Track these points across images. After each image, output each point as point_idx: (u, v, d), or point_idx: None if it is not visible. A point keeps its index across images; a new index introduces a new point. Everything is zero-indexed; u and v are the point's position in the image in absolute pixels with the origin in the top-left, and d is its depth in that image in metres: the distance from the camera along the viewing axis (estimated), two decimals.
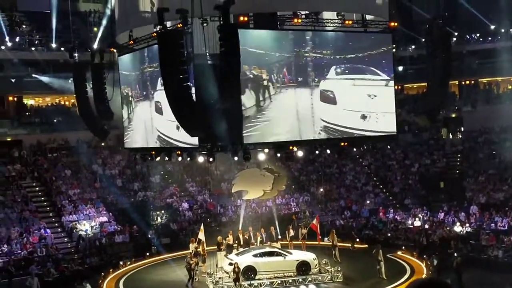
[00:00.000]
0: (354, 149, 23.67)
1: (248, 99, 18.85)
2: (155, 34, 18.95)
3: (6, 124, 37.74)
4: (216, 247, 23.51)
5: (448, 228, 29.10)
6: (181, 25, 17.33)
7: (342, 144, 21.31)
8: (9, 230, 28.41)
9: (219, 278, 21.10)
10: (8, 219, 29.52)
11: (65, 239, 29.46)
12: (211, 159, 20.11)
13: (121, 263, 25.76)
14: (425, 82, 25.74)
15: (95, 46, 26.45)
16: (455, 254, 24.24)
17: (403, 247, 26.74)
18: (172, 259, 26.04)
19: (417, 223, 30.54)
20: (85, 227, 29.83)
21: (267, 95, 19.25)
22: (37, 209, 30.96)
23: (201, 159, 21.49)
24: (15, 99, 40.17)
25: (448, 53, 22.11)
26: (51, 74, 38.39)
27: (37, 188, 32.99)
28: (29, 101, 41.76)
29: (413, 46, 43.04)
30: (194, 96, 17.42)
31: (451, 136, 39.78)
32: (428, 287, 2.98)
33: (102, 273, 24.05)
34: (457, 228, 29.04)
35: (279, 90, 19.40)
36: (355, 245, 27.51)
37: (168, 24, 18.35)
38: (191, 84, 17.18)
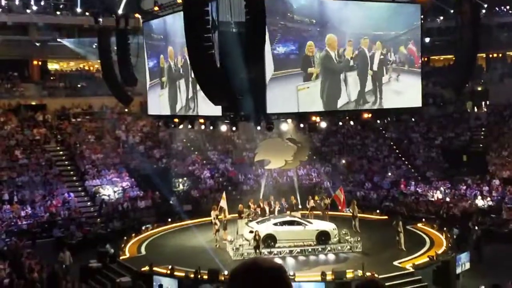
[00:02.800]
0: (378, 121, 23.42)
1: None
2: (180, 0, 18.81)
3: (30, 88, 38.17)
4: (237, 215, 23.73)
5: (469, 201, 28.96)
6: None
7: (366, 116, 21.11)
8: (33, 193, 29.03)
9: (240, 245, 21.35)
10: (32, 182, 30.14)
11: (88, 203, 30.03)
12: (233, 128, 20.13)
13: (143, 228, 26.17)
14: (452, 55, 25.27)
15: (120, 11, 26.28)
16: (476, 228, 24.17)
17: (424, 219, 26.69)
18: (193, 225, 26.37)
19: (439, 195, 30.44)
20: (108, 192, 30.32)
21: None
22: (60, 173, 31.51)
23: (223, 128, 21.53)
24: (40, 63, 40.51)
25: (477, 26, 21.62)
26: (76, 39, 38.54)
27: (61, 152, 33.52)
28: (53, 66, 42.07)
29: (441, 18, 42.12)
30: (218, 64, 17.33)
31: (476, 110, 39.17)
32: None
33: (124, 237, 24.48)
34: (479, 202, 28.91)
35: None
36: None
37: None
38: (215, 52, 17.11)
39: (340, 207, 25.54)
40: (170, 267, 19.67)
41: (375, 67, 20.63)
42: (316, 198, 25.49)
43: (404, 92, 21.29)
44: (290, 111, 19.46)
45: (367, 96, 20.50)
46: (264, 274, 2.10)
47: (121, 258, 22.29)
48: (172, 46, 21.89)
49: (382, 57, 20.73)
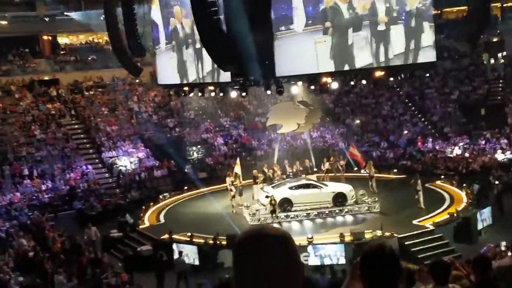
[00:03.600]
0: (391, 79, 22.94)
1: None
2: None
3: (42, 63, 38.19)
4: (252, 180, 23.72)
5: (489, 156, 28.55)
6: None
7: (378, 74, 20.65)
8: (52, 167, 29.37)
9: (256, 210, 21.40)
10: (50, 156, 30.46)
11: (106, 174, 30.34)
12: (244, 94, 19.92)
13: (160, 196, 26.39)
14: (465, 6, 24.48)
15: None
16: (496, 182, 23.85)
17: (442, 176, 26.41)
18: (209, 192, 26.49)
19: (457, 151, 30.05)
20: (125, 163, 30.55)
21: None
22: (77, 146, 31.77)
23: (234, 94, 21.31)
24: (50, 38, 40.39)
25: None
26: (83, 11, 38.25)
27: (76, 126, 33.73)
28: (63, 40, 41.94)
29: None
30: (225, 29, 17.02)
31: (492, 61, 38.22)
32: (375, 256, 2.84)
33: (143, 207, 24.72)
34: (499, 156, 28.48)
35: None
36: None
37: None
38: (222, 17, 16.79)
39: (360, 165, 25.47)
40: (189, 234, 19.88)
41: (384, 19, 19.90)
42: (332, 159, 25.30)
43: (418, 46, 20.66)
44: (301, 72, 19.07)
45: (380, 53, 19.94)
46: (268, 241, 2.11)
47: (140, 227, 22.57)
48: (180, 9, 21.52)
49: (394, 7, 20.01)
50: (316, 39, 18.76)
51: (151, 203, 25.40)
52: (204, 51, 19.30)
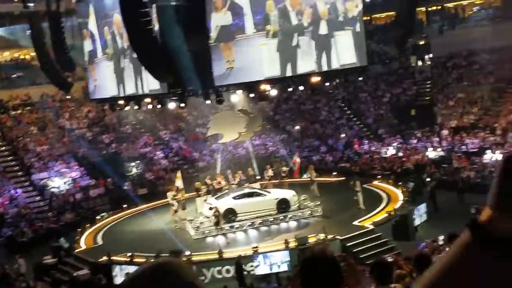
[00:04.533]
0: (327, 84, 23.28)
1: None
2: None
3: None
4: (195, 193, 23.33)
5: (421, 154, 29.53)
6: None
7: (314, 79, 20.88)
8: None
9: (200, 223, 21.05)
10: None
11: (37, 197, 28.90)
12: (182, 105, 19.57)
13: (98, 217, 25.45)
14: (393, 11, 25.30)
15: None
16: (429, 179, 24.65)
17: (379, 176, 27.05)
18: (150, 209, 25.81)
19: (392, 151, 30.91)
20: (57, 184, 29.26)
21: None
22: (4, 169, 30.21)
23: (172, 105, 20.89)
24: None
25: None
26: (7, 27, 36.63)
27: (3, 148, 32.07)
28: None
29: None
30: (159, 39, 16.66)
31: (420, 63, 39.73)
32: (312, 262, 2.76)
33: (79, 229, 23.74)
34: (430, 153, 29.51)
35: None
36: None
37: None
38: (155, 27, 16.45)
39: (295, 172, 25.98)
40: (129, 254, 19.16)
41: (324, 28, 20.26)
42: (275, 165, 25.42)
43: (350, 51, 21.11)
44: (247, 77, 18.99)
45: (317, 59, 20.22)
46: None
47: (76, 251, 21.61)
48: (112, 20, 20.91)
49: (329, 16, 20.38)
50: (260, 42, 18.82)
51: (88, 225, 24.41)
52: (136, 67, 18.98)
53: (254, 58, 18.95)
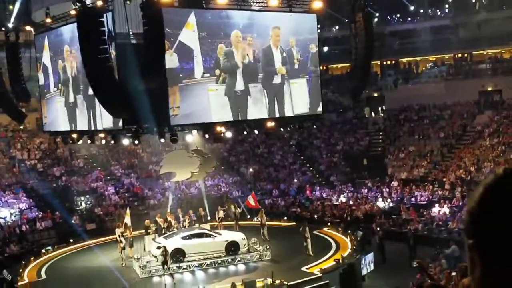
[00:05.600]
0: (281, 129, 23.79)
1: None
2: (73, 12, 18.09)
3: None
4: (143, 231, 23.10)
5: (371, 203, 30.09)
6: (101, 2, 16.65)
7: (269, 124, 21.34)
8: None
9: (147, 262, 20.79)
10: None
11: None
12: (136, 142, 19.61)
13: (43, 250, 24.86)
14: (348, 63, 26.25)
15: (10, 24, 24.96)
16: (378, 229, 25.10)
17: (329, 223, 27.39)
18: (98, 245, 25.34)
19: (342, 199, 31.40)
20: (4, 214, 28.46)
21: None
22: None
23: (126, 141, 20.89)
24: None
25: (370, 34, 22.56)
26: None
27: None
28: None
29: (337, 27, 43.76)
30: (116, 76, 16.81)
31: (373, 115, 40.98)
32: None
33: (23, 262, 23.13)
34: (380, 203, 30.08)
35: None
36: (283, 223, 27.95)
37: (88, 1, 17.56)
38: (114, 64, 16.61)
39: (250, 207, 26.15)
40: None
41: (278, 78, 20.94)
42: (231, 206, 25.49)
43: (305, 99, 21.77)
44: (203, 120, 19.25)
45: (269, 106, 20.76)
46: None
47: (19, 284, 20.94)
48: (69, 55, 20.97)
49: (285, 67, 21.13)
50: (208, 87, 19.16)
51: (32, 258, 23.79)
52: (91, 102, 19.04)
53: (203, 104, 19.26)
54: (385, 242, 23.96)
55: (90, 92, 19.28)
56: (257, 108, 20.34)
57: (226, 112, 19.60)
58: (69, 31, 20.10)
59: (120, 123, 18.82)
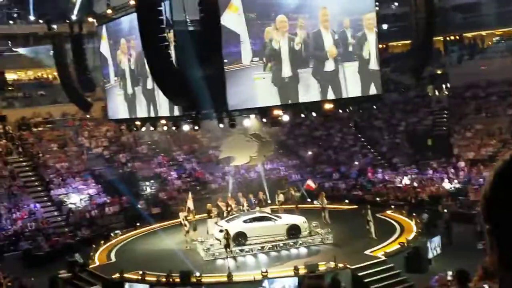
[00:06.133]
0: (340, 111, 23.47)
1: None
2: (133, 2, 18.49)
3: None
4: (206, 214, 23.53)
5: (437, 185, 29.30)
6: None
7: (327, 106, 21.12)
8: None
9: (210, 245, 21.19)
10: None
11: (55, 212, 29.43)
12: (196, 127, 19.92)
13: (111, 234, 25.78)
14: (409, 40, 25.47)
15: (74, 16, 25.79)
16: (445, 211, 24.42)
17: (392, 206, 26.89)
18: (163, 228, 26.07)
19: (406, 181, 30.73)
20: (75, 200, 29.78)
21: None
22: (25, 184, 30.81)
23: (186, 127, 21.28)
24: None
25: (431, 9, 21.80)
26: (32, 47, 37.70)
27: (24, 163, 32.76)
28: (11, 76, 41.03)
29: (396, 4, 42.53)
30: (175, 63, 17.09)
31: (437, 93, 39.70)
32: None
33: (93, 245, 24.08)
34: (446, 185, 29.26)
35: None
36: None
37: None
38: (172, 52, 16.88)
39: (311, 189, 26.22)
40: (141, 272, 19.39)
41: (330, 65, 20.52)
42: (291, 190, 25.52)
43: (361, 81, 21.33)
44: (252, 106, 19.27)
45: (326, 87, 20.45)
46: None
47: (91, 266, 21.89)
48: (127, 45, 21.48)
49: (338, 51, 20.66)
50: (254, 75, 18.82)
51: (102, 241, 24.75)
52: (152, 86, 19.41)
53: (249, 92, 18.99)
54: (452, 224, 23.29)
55: (149, 84, 19.81)
56: (309, 95, 20.03)
57: (275, 101, 19.36)
58: (127, 21, 20.58)
59: (176, 112, 19.14)
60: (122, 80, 22.60)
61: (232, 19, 18.16)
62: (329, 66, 20.36)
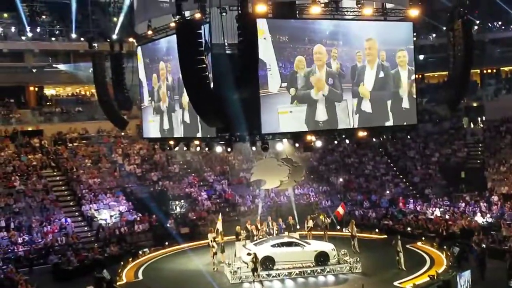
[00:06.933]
0: (374, 139, 23.38)
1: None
2: (173, 24, 18.92)
3: (27, 114, 38.23)
4: (234, 237, 23.53)
5: (468, 218, 28.75)
6: (199, 14, 17.26)
7: (361, 134, 21.09)
8: (30, 219, 28.86)
9: (237, 268, 21.11)
10: (29, 208, 29.98)
11: (85, 228, 29.77)
12: (229, 149, 20.08)
13: (140, 252, 25.92)
14: (446, 71, 25.34)
15: (114, 36, 26.53)
16: (482, 245, 23.82)
17: (423, 238, 26.46)
18: (191, 248, 26.15)
19: (437, 213, 30.24)
20: (105, 216, 30.11)
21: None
22: (57, 198, 31.34)
23: (219, 149, 21.47)
24: (36, 89, 40.71)
25: (469, 42, 21.69)
26: (71, 64, 38.78)
27: (57, 178, 33.42)
28: (49, 91, 42.19)
29: (434, 35, 42.46)
30: (212, 85, 17.35)
31: (472, 126, 39.23)
32: None
33: (122, 262, 24.25)
34: (478, 219, 28.69)
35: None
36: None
37: (187, 13, 18.30)
38: (209, 74, 17.14)
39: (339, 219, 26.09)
40: None
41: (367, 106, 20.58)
42: (321, 217, 25.47)
43: (400, 109, 21.29)
44: (285, 130, 19.37)
45: (367, 115, 20.50)
46: None
47: (118, 283, 21.97)
48: (164, 66, 21.91)
49: (378, 71, 20.70)
50: (279, 109, 18.68)
51: (130, 259, 24.92)
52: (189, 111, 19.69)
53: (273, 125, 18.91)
54: (486, 259, 22.67)
55: (184, 105, 20.10)
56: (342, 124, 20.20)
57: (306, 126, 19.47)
58: (165, 42, 21.03)
59: (199, 132, 19.18)
60: (156, 100, 23.00)
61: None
62: (366, 105, 20.49)
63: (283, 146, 21.01)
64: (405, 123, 21.63)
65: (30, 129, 36.99)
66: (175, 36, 17.39)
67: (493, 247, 25.00)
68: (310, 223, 24.90)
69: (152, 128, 23.99)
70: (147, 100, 23.89)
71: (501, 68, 43.90)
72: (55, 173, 33.75)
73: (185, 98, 20.16)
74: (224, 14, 18.05)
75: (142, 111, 24.94)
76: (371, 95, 20.51)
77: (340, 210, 26.72)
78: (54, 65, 39.10)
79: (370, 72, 20.49)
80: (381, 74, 20.72)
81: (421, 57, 39.73)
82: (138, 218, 30.24)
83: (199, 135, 20.50)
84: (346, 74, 20.02)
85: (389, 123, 21.15)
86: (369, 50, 20.35)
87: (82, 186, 32.22)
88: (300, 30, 19.23)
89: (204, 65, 16.61)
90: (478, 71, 42.46)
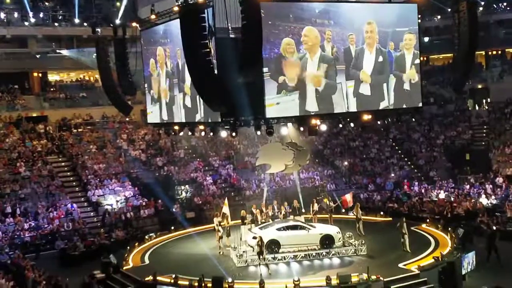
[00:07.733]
0: (378, 122, 23.33)
1: None
2: (176, 8, 18.82)
3: (31, 100, 38.28)
4: (240, 221, 23.65)
5: (473, 200, 28.80)
6: None
7: (366, 117, 21.05)
8: (36, 205, 29.03)
9: (243, 251, 21.21)
10: (34, 194, 30.16)
11: (91, 213, 29.97)
12: (233, 134, 20.08)
13: (146, 237, 26.06)
14: (451, 53, 25.21)
15: (118, 21, 26.44)
16: (490, 227, 23.88)
17: (428, 220, 26.54)
18: (196, 233, 26.31)
19: (442, 195, 30.30)
20: (111, 202, 30.28)
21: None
22: (63, 184, 31.49)
23: (224, 133, 21.48)
24: (40, 75, 40.67)
25: (474, 23, 21.54)
26: (75, 49, 38.72)
27: (62, 164, 33.54)
28: (53, 77, 42.19)
29: (438, 17, 42.14)
30: (216, 70, 17.31)
31: (477, 108, 39.09)
32: None
33: (128, 247, 24.41)
34: (483, 201, 28.72)
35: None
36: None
37: None
38: (213, 58, 17.09)
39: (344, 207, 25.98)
40: (173, 276, 19.56)
41: (369, 67, 20.42)
42: (325, 200, 25.52)
43: (403, 91, 21.22)
44: (290, 114, 19.35)
45: (365, 98, 20.42)
46: None
47: (124, 268, 22.15)
48: (163, 50, 21.83)
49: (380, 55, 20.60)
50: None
51: (136, 244, 25.05)
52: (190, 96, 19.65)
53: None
54: (495, 241, 22.65)
55: (187, 90, 20.08)
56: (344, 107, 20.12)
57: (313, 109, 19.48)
58: (162, 25, 20.92)
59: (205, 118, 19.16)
60: (154, 91, 22.99)
61: None
62: (365, 88, 20.32)
63: (287, 130, 20.99)
64: (408, 106, 21.51)
65: (34, 115, 37.08)
66: (178, 20, 17.31)
67: (498, 228, 25.06)
68: (316, 207, 24.97)
69: (157, 112, 24.01)
70: (150, 85, 23.87)
71: (506, 50, 43.60)
72: (60, 159, 33.87)
73: (187, 83, 20.17)
74: None
75: (146, 96, 24.93)
76: (371, 79, 20.43)
77: (348, 197, 26.70)
78: (57, 51, 39.01)
79: (370, 56, 20.36)
80: (380, 59, 20.57)
81: (426, 39, 39.45)
82: (144, 203, 30.39)
83: (198, 117, 20.45)
84: (340, 57, 19.92)
85: (391, 106, 21.05)
86: (370, 33, 20.19)
87: (88, 172, 32.36)
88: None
89: (208, 50, 16.56)
90: (483, 52, 42.18)
